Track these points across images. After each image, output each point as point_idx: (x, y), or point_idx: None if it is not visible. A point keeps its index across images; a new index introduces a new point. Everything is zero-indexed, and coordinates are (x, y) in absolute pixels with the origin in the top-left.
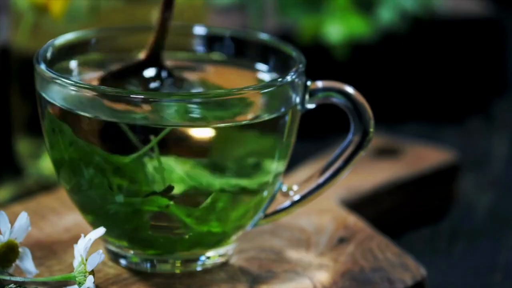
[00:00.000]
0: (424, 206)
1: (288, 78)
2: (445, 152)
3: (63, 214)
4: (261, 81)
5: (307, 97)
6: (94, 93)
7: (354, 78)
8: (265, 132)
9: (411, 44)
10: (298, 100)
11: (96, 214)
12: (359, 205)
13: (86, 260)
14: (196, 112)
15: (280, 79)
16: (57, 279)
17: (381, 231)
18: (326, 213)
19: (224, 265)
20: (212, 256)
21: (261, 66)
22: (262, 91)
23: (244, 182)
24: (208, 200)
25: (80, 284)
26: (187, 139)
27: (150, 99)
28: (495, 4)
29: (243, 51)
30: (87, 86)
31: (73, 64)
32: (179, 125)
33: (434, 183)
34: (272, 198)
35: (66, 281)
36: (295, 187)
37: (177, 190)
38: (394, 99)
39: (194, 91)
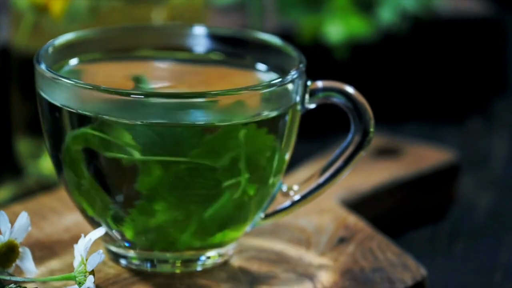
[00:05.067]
0: (424, 206)
1: (289, 78)
2: (445, 152)
3: (63, 214)
4: (261, 81)
5: (307, 97)
6: (95, 93)
7: (354, 78)
8: (265, 132)
9: (411, 44)
10: (298, 100)
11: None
12: (359, 205)
13: (86, 260)
14: (196, 112)
15: (280, 79)
16: (57, 279)
17: (381, 231)
18: (326, 213)
19: (224, 265)
20: (212, 256)
21: (261, 66)
22: (262, 91)
23: (244, 182)
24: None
25: (80, 284)
26: (187, 139)
27: (150, 99)
28: (495, 4)
29: (243, 51)
30: (87, 86)
31: (73, 63)
32: (178, 125)
33: (434, 183)
34: (272, 198)
35: (66, 281)
36: (295, 187)
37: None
38: (394, 99)
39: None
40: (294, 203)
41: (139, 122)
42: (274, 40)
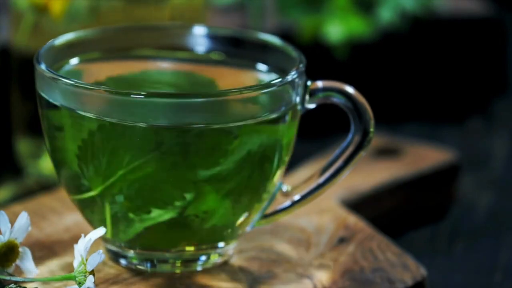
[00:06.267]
0: (424, 206)
1: (289, 78)
2: (445, 152)
3: (63, 214)
4: (261, 81)
5: (307, 97)
6: (95, 93)
7: (354, 78)
8: (265, 132)
9: (411, 44)
10: (298, 100)
11: (97, 213)
12: (359, 205)
13: (86, 260)
14: (196, 112)
15: (280, 79)
16: (57, 279)
17: (381, 231)
18: (326, 213)
19: (224, 265)
20: (212, 256)
21: (261, 66)
22: (262, 91)
23: (244, 183)
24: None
25: (80, 284)
26: (187, 140)
27: (150, 100)
28: (495, 4)
29: (243, 51)
30: (87, 86)
31: (73, 63)
32: (179, 125)
33: (434, 183)
34: (272, 198)
35: (66, 281)
36: (295, 187)
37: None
38: (394, 99)
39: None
40: (294, 203)
41: (140, 124)
42: (274, 40)
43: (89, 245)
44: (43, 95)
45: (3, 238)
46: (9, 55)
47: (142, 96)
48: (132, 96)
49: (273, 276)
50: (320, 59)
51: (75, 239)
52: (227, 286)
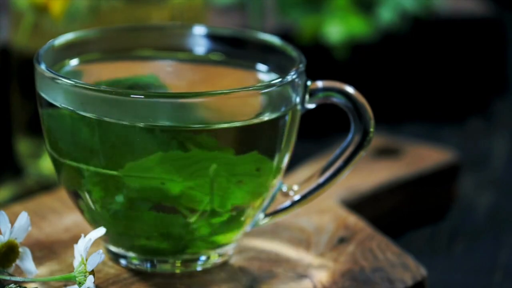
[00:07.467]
0: (424, 206)
1: (288, 78)
2: (445, 152)
3: (63, 214)
4: (261, 81)
5: (307, 97)
6: (95, 93)
7: (354, 78)
8: (265, 132)
9: (411, 44)
10: (298, 100)
11: (96, 215)
12: (359, 205)
13: (86, 260)
14: (196, 112)
15: (280, 79)
16: (57, 279)
17: (381, 231)
18: (326, 213)
19: (224, 265)
20: (212, 256)
21: (261, 66)
22: (262, 91)
23: (244, 182)
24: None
25: (80, 284)
26: (187, 140)
27: (150, 100)
28: (495, 4)
29: (243, 51)
30: (87, 86)
31: (73, 64)
32: (178, 125)
33: (434, 183)
34: (272, 198)
35: (66, 281)
36: (295, 187)
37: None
38: (394, 99)
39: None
40: (294, 203)
41: (140, 124)
42: (274, 40)
43: (89, 245)
44: (43, 95)
45: (3, 238)
46: (9, 55)
47: (142, 96)
48: (132, 96)
49: (273, 276)
50: (320, 59)
51: (75, 239)
52: (227, 286)
